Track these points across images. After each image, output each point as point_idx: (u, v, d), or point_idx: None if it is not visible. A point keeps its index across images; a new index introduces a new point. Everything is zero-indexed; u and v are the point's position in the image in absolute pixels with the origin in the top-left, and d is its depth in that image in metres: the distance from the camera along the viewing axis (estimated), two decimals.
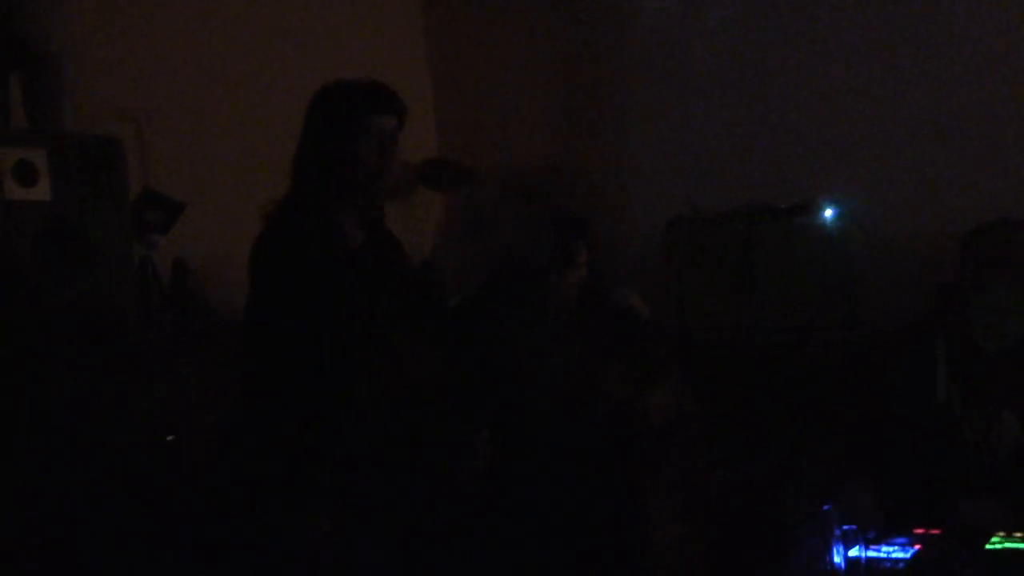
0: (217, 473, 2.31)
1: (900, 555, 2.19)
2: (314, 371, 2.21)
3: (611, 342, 2.88)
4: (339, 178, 2.27)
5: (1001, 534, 2.19)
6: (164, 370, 2.91)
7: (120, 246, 2.91)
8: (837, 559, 2.18)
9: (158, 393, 2.85)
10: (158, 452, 2.82)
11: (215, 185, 3.48)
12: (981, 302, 2.45)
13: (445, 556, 2.92)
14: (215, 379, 2.83)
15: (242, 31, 3.75)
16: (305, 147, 2.32)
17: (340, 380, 2.27)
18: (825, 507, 2.22)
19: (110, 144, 2.91)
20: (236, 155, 3.58)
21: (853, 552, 2.18)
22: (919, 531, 2.27)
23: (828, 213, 3.66)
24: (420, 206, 4.45)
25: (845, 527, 2.20)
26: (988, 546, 2.14)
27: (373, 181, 2.29)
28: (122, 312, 2.83)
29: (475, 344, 2.96)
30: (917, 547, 2.21)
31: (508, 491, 2.79)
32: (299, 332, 2.20)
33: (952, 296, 2.56)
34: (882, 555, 2.20)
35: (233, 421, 2.31)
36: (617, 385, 2.83)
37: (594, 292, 2.89)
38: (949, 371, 2.49)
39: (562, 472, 2.72)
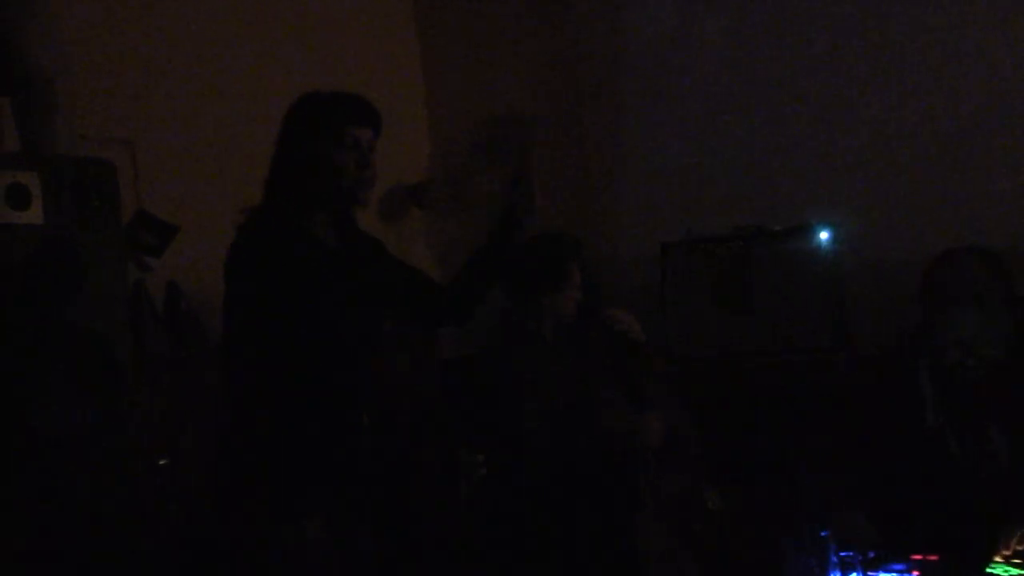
0: (209, 483, 2.31)
1: None
2: (297, 372, 2.22)
3: (606, 364, 2.88)
4: (315, 187, 2.31)
5: (999, 559, 2.19)
6: (157, 393, 2.89)
7: (113, 269, 2.90)
8: None
9: (151, 416, 2.83)
10: (151, 476, 2.80)
11: (209, 208, 3.46)
12: (949, 334, 2.47)
13: (437, 572, 2.91)
14: (209, 402, 2.82)
15: (236, 53, 3.75)
16: (280, 156, 2.36)
17: (324, 381, 2.27)
18: (823, 532, 2.22)
19: (103, 167, 2.90)
20: (230, 177, 3.56)
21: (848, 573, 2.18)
22: (916, 557, 2.27)
23: (822, 235, 3.67)
24: (412, 228, 4.46)
25: (843, 553, 2.20)
26: (986, 572, 2.13)
27: (351, 190, 2.33)
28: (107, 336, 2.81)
29: (472, 365, 2.97)
30: (915, 574, 2.20)
31: (501, 511, 2.78)
32: (279, 333, 2.21)
33: (925, 325, 2.58)
34: None
35: (223, 434, 2.31)
36: (612, 406, 2.82)
37: (589, 314, 2.88)
38: (933, 392, 2.49)
39: (555, 493, 2.71)
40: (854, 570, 2.18)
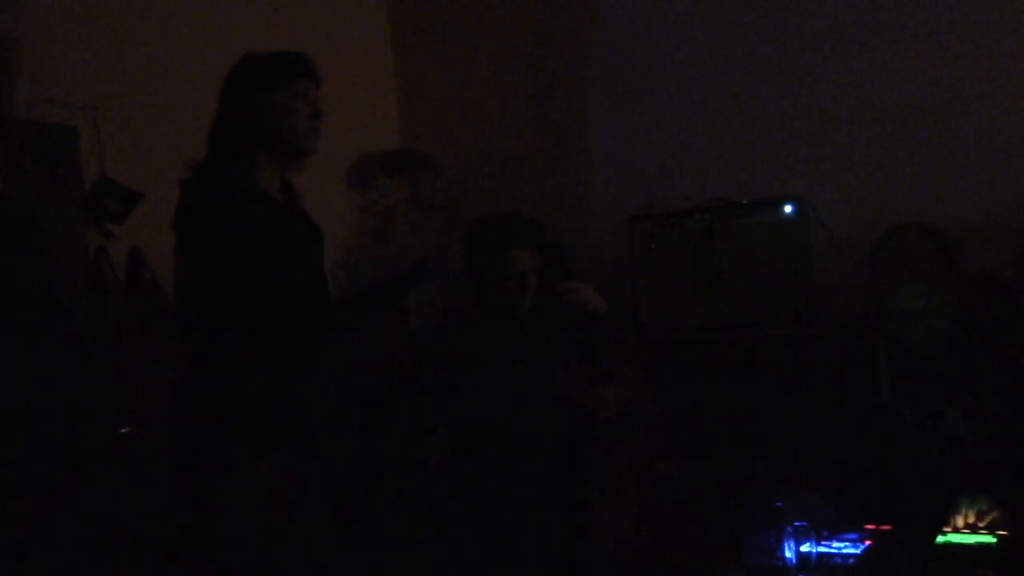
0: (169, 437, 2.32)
1: (851, 551, 2.21)
2: (254, 330, 2.25)
3: (565, 336, 2.89)
4: (269, 138, 2.36)
5: (949, 529, 2.22)
6: (119, 360, 2.88)
7: (75, 235, 2.88)
8: (788, 554, 2.20)
9: (113, 384, 2.82)
10: (113, 444, 2.79)
11: (173, 175, 3.42)
12: (892, 307, 2.50)
13: (399, 545, 2.93)
14: (169, 369, 2.81)
15: (201, 20, 3.70)
16: (229, 110, 2.40)
17: (284, 339, 2.30)
18: (778, 503, 2.24)
19: (64, 132, 2.88)
20: (195, 145, 3.53)
21: (804, 547, 2.20)
22: (870, 527, 2.30)
23: (788, 209, 3.69)
24: (381, 198, 4.44)
25: (797, 523, 2.22)
26: (937, 541, 2.16)
27: (304, 139, 2.39)
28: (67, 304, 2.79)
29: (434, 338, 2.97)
30: (867, 543, 2.23)
31: (461, 483, 2.79)
32: (234, 292, 2.25)
33: (874, 299, 2.60)
34: (833, 551, 2.21)
35: (180, 392, 2.32)
36: (569, 378, 2.84)
37: (551, 288, 2.88)
38: (888, 367, 2.51)
39: (515, 465, 2.73)
40: (808, 539, 2.20)
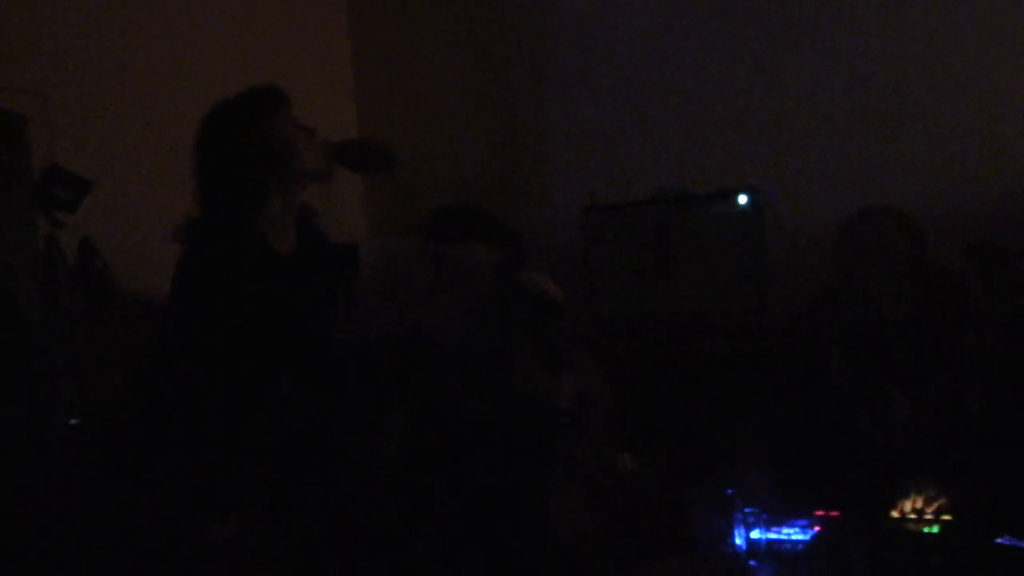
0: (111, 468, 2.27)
1: (800, 536, 2.24)
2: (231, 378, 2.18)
3: (521, 326, 2.89)
4: (262, 164, 2.23)
5: (896, 515, 2.25)
6: (69, 350, 2.84)
7: (24, 224, 2.84)
8: (739, 541, 2.22)
9: (62, 374, 2.79)
10: (61, 435, 2.76)
11: (125, 163, 3.40)
12: (858, 289, 2.52)
13: (355, 538, 2.91)
14: (122, 360, 2.78)
15: (152, 5, 3.66)
16: (215, 162, 2.25)
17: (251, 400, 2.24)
18: (728, 491, 2.26)
19: (14, 119, 2.84)
20: (147, 133, 3.50)
21: (754, 534, 2.23)
22: (819, 513, 2.32)
23: (743, 200, 3.71)
24: (339, 189, 4.41)
25: (747, 510, 2.24)
26: (883, 527, 2.19)
27: (300, 160, 2.28)
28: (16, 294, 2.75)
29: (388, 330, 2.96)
30: (816, 528, 2.25)
31: (418, 473, 2.79)
32: (218, 358, 2.15)
33: (834, 283, 2.62)
34: (782, 536, 2.24)
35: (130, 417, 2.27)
36: (528, 370, 2.84)
37: (506, 277, 2.88)
38: (839, 351, 2.54)
39: (471, 455, 2.73)
40: (758, 526, 2.23)
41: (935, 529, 2.14)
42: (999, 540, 2.10)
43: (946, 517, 2.20)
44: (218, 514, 2.17)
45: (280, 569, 2.36)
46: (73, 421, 2.77)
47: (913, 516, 2.23)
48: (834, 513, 2.32)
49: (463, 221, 2.92)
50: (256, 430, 2.28)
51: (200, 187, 2.25)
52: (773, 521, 2.27)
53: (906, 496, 2.28)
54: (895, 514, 2.26)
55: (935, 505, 2.27)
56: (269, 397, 2.36)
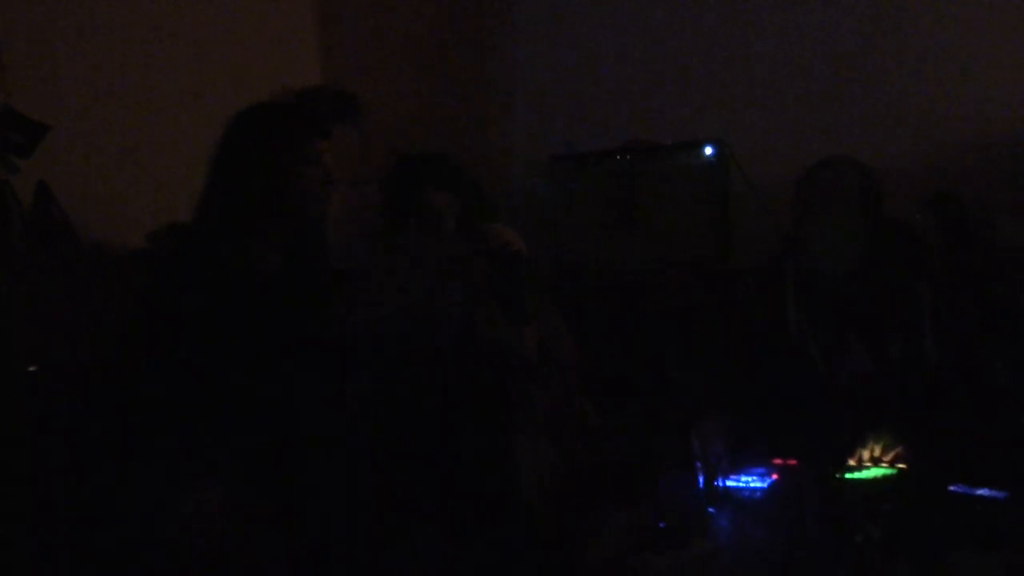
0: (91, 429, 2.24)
1: (758, 484, 2.27)
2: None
3: (484, 277, 2.88)
4: (270, 201, 2.16)
5: (853, 463, 2.29)
6: (25, 297, 2.80)
7: None
8: (698, 488, 2.25)
9: (18, 322, 2.74)
10: (19, 383, 2.72)
11: (83, 106, 3.32)
12: (816, 233, 2.54)
13: (323, 496, 2.92)
14: (79, 306, 2.74)
15: None
16: (226, 173, 2.18)
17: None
18: (691, 439, 2.29)
19: None
20: (107, 75, 3.42)
21: (714, 482, 2.26)
22: (777, 462, 2.36)
23: (708, 151, 3.71)
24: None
25: (707, 458, 2.27)
26: (839, 475, 2.23)
27: (311, 207, 2.21)
28: None
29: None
30: (774, 477, 2.29)
31: (383, 428, 2.79)
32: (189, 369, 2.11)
33: (794, 231, 2.64)
34: (740, 484, 2.27)
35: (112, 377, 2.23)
36: (491, 322, 2.84)
37: (469, 228, 2.88)
38: (797, 300, 2.57)
39: (432, 406, 2.73)
40: (716, 474, 2.26)
41: (890, 476, 2.18)
42: (952, 488, 2.14)
43: (901, 466, 2.24)
44: (198, 482, 2.16)
45: (261, 539, 2.36)
46: (32, 368, 2.73)
47: (869, 464, 2.27)
48: (792, 462, 2.36)
49: (425, 169, 2.90)
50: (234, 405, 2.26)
51: (206, 187, 2.19)
52: (731, 469, 2.30)
53: (864, 445, 2.31)
54: (852, 462, 2.30)
55: (892, 454, 2.30)
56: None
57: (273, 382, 2.28)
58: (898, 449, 2.31)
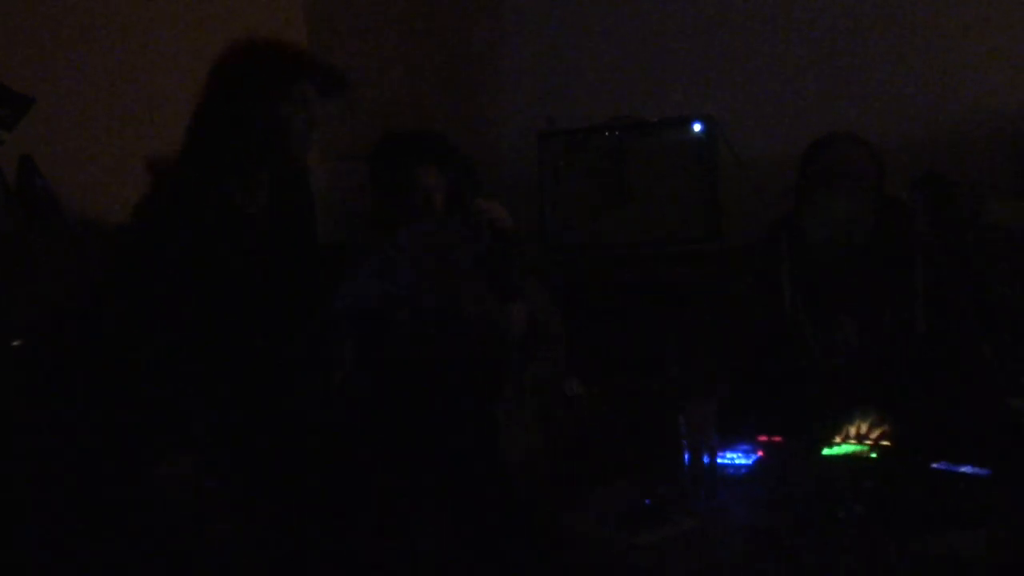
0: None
1: (743, 461, 2.28)
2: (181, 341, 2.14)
3: (472, 253, 2.88)
4: (256, 145, 2.19)
5: (838, 440, 2.29)
6: (9, 272, 2.78)
7: None
8: (684, 465, 2.26)
9: (2, 296, 2.73)
10: (4, 357, 2.71)
11: (69, 79, 3.30)
12: (817, 213, 2.52)
13: (307, 472, 2.92)
14: (63, 281, 2.73)
15: None
16: (211, 111, 2.20)
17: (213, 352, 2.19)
18: (679, 416, 2.29)
19: None
20: (93, 47, 3.39)
21: (700, 458, 2.26)
22: (762, 438, 2.37)
23: (697, 127, 3.70)
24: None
25: (693, 434, 2.27)
26: (824, 452, 2.24)
27: (297, 153, 2.23)
28: None
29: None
30: (759, 454, 2.30)
31: (369, 402, 2.79)
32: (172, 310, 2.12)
33: (794, 207, 2.63)
34: (726, 461, 2.28)
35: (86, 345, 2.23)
36: (479, 297, 2.84)
37: (457, 204, 2.87)
38: (793, 279, 2.56)
39: (422, 382, 2.73)
40: (704, 454, 2.26)
41: (873, 454, 2.18)
42: (935, 465, 2.15)
43: (885, 443, 2.25)
44: (171, 450, 2.15)
45: (235, 506, 2.36)
46: (16, 343, 2.72)
47: (854, 442, 2.28)
48: (777, 439, 2.37)
49: (414, 145, 2.89)
50: (211, 368, 2.26)
51: (191, 130, 2.21)
52: (717, 446, 2.30)
53: (852, 421, 2.32)
54: (838, 439, 2.31)
55: (879, 431, 2.31)
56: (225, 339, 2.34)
57: (257, 334, 2.27)
58: (885, 427, 2.31)
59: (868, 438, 2.30)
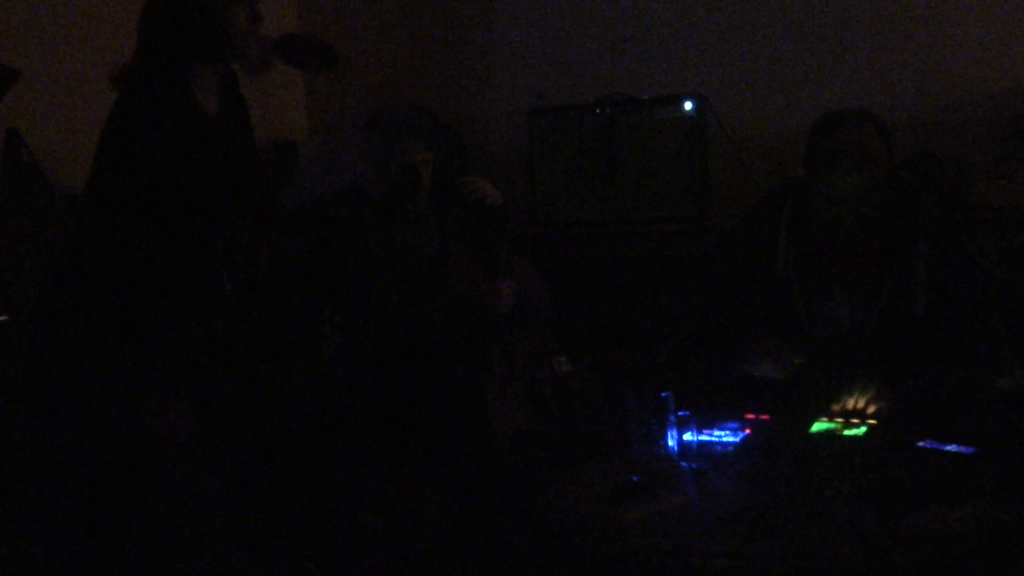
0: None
1: (730, 439, 2.29)
2: (161, 239, 2.17)
3: (461, 229, 2.88)
4: (200, 39, 2.22)
5: (824, 419, 2.30)
6: None
7: None
8: (671, 442, 2.27)
9: None
10: None
11: (52, 53, 3.27)
12: (831, 190, 2.51)
13: (293, 441, 2.92)
14: (50, 253, 2.72)
15: None
16: (160, 15, 2.24)
17: (187, 248, 2.23)
18: (663, 393, 2.30)
19: None
20: (77, 20, 3.37)
21: (687, 436, 2.27)
22: (749, 416, 2.37)
23: (688, 106, 3.69)
24: (280, 84, 4.32)
25: (680, 412, 2.28)
26: (811, 429, 2.24)
27: (239, 44, 2.26)
28: None
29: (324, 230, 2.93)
30: (746, 431, 2.30)
31: (356, 377, 2.79)
32: (150, 208, 2.15)
33: (798, 183, 2.62)
34: (713, 439, 2.29)
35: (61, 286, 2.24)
36: (467, 273, 2.84)
37: (447, 180, 2.86)
38: (789, 246, 2.55)
39: (410, 358, 2.73)
40: (689, 428, 2.27)
41: (859, 432, 2.19)
42: (921, 444, 2.16)
43: (871, 421, 2.25)
44: (159, 403, 2.16)
45: (221, 462, 2.36)
46: (3, 317, 2.71)
47: (841, 419, 2.28)
48: (764, 416, 2.37)
49: (403, 120, 2.88)
50: (195, 317, 2.27)
51: (140, 35, 2.25)
52: (705, 423, 2.31)
53: (849, 394, 2.32)
54: (835, 408, 2.31)
55: (875, 407, 2.30)
56: (210, 291, 2.35)
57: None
58: (881, 402, 2.31)
59: (864, 412, 2.30)
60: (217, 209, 2.31)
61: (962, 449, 2.11)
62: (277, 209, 2.61)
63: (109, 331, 2.14)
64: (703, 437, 2.29)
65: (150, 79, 2.21)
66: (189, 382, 2.25)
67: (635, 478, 2.04)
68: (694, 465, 2.21)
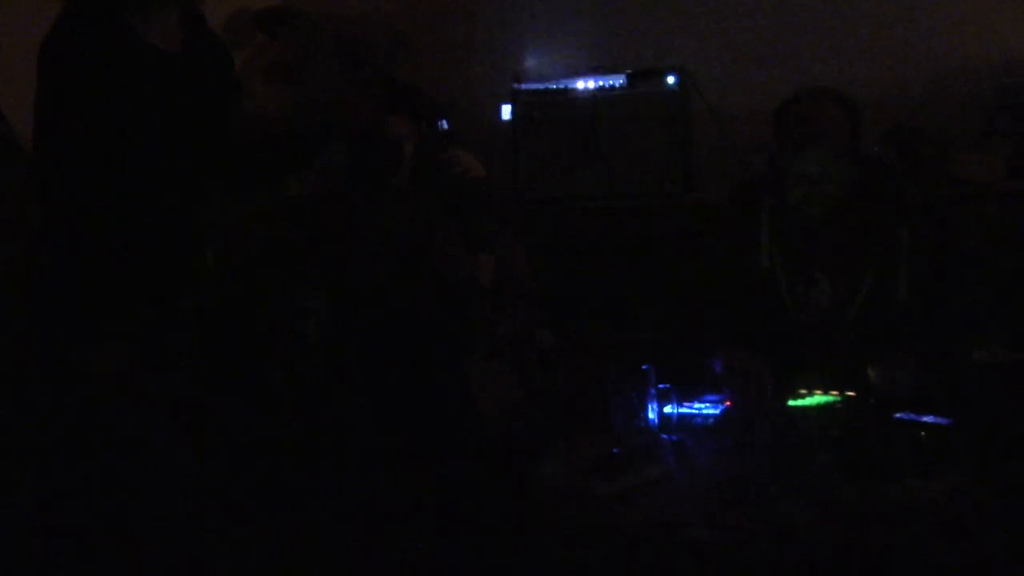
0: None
1: (710, 411, 2.30)
2: (123, 193, 2.12)
3: (443, 204, 2.87)
4: None
5: (804, 391, 2.31)
6: None
7: None
8: (651, 415, 2.28)
9: None
10: None
11: (29, 23, 3.23)
12: (796, 170, 2.51)
13: (277, 414, 2.92)
14: (28, 227, 2.69)
15: None
16: None
17: (159, 207, 2.18)
18: (644, 367, 2.31)
19: None
20: None
21: (667, 409, 2.29)
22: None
23: (671, 80, 3.68)
24: (259, 56, 4.28)
25: (661, 385, 2.29)
26: (789, 403, 2.26)
27: None
28: None
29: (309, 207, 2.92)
30: (726, 404, 2.32)
31: (341, 350, 2.79)
32: (103, 151, 2.10)
33: (772, 164, 2.62)
34: (693, 411, 2.30)
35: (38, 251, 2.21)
36: (449, 248, 2.83)
37: (431, 154, 2.85)
38: (771, 235, 2.56)
39: (393, 332, 2.73)
40: (670, 401, 2.28)
41: (835, 403, 2.21)
42: (898, 415, 2.18)
43: (848, 392, 2.27)
44: (100, 343, 2.13)
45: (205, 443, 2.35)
46: None
47: (819, 392, 2.29)
48: None
49: (386, 95, 2.87)
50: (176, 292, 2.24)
51: None
52: (685, 397, 2.33)
53: (827, 373, 2.33)
54: (803, 391, 2.32)
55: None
56: (192, 265, 2.32)
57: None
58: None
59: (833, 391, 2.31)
60: (186, 160, 2.22)
61: (938, 420, 2.13)
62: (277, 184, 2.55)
63: (82, 305, 2.11)
64: (683, 409, 2.30)
65: (87, 13, 2.14)
66: (173, 357, 2.23)
67: (615, 450, 2.05)
68: (674, 437, 2.22)
